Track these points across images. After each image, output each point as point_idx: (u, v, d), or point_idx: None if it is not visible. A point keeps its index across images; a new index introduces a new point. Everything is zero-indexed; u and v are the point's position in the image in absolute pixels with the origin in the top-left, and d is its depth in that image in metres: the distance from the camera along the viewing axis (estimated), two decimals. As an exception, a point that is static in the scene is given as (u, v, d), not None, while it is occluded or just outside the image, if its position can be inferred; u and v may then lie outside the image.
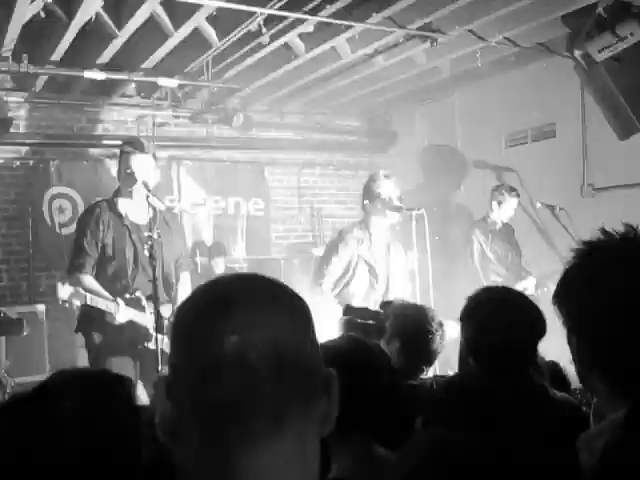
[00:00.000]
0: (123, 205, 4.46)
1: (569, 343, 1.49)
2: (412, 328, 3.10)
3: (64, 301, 4.21)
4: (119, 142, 5.07)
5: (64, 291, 4.18)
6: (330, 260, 5.02)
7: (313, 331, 1.00)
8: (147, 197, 4.30)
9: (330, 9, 4.88)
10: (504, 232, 6.19)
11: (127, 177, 4.37)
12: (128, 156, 4.38)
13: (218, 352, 0.89)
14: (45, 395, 1.36)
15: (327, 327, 4.87)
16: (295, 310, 0.98)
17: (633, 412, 1.32)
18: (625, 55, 5.21)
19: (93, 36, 5.35)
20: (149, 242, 4.14)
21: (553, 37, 5.82)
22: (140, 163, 4.36)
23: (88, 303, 4.20)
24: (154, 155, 4.50)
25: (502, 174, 7.04)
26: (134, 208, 4.43)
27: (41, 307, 6.29)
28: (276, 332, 0.92)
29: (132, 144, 4.47)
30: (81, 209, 6.87)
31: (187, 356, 0.93)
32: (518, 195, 6.11)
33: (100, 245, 4.38)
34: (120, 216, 4.44)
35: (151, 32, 5.31)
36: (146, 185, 4.31)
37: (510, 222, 6.21)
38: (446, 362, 3.72)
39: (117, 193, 4.51)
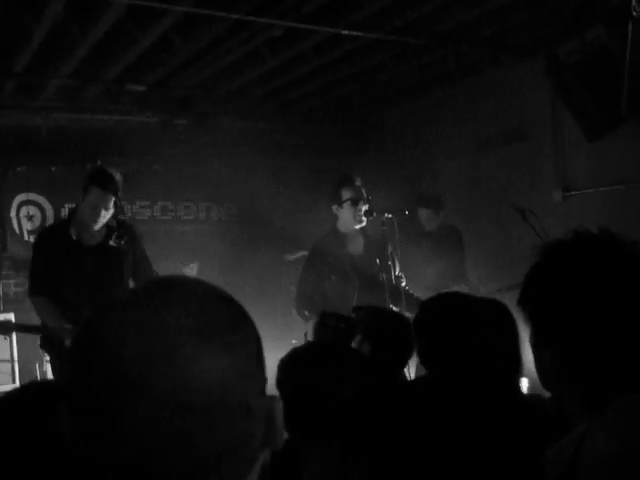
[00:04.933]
0: (77, 230, 4.43)
1: (533, 348, 1.47)
2: (381, 334, 3.11)
3: None
4: (87, 147, 5.03)
5: None
6: (306, 281, 5.03)
7: (249, 371, 0.86)
8: (108, 237, 4.32)
9: (298, 14, 4.88)
10: (437, 235, 6.21)
11: (87, 210, 4.35)
12: (90, 189, 4.33)
13: (120, 449, 0.78)
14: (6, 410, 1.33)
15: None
16: (222, 362, 0.83)
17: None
18: (593, 58, 5.25)
19: (59, 42, 5.29)
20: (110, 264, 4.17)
21: (523, 40, 5.85)
22: (102, 202, 4.32)
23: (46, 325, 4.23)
24: (118, 194, 4.41)
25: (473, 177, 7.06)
26: (88, 233, 4.43)
27: (10, 315, 6.20)
28: (188, 438, 0.78)
29: (96, 177, 4.40)
30: (50, 216, 6.82)
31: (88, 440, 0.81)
32: (428, 207, 6.22)
33: (55, 270, 4.37)
34: (72, 241, 4.42)
35: (118, 38, 5.26)
36: (110, 229, 4.34)
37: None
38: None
39: (74, 217, 4.48)
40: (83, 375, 0.82)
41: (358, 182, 5.03)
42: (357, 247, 5.13)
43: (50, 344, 4.37)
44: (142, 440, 0.78)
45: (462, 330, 2.27)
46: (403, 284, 5.10)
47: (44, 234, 4.70)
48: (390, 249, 5.01)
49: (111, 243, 4.26)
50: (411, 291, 5.07)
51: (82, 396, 0.82)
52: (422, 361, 2.43)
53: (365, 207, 4.95)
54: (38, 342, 4.59)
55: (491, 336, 2.25)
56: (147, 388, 0.78)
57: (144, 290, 0.89)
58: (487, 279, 5.84)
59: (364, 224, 5.02)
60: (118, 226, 4.50)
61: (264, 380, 0.90)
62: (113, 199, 4.33)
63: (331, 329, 3.33)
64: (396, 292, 4.89)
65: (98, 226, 4.34)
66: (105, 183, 4.31)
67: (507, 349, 2.25)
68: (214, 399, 0.80)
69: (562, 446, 1.36)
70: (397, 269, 5.12)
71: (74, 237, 4.39)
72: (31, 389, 1.40)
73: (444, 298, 2.48)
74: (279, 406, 0.92)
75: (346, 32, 5.23)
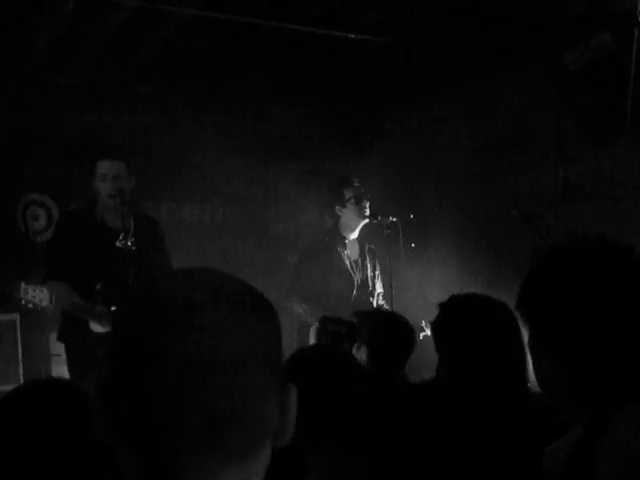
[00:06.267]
0: (100, 211, 4.42)
1: (531, 352, 1.48)
2: (378, 335, 3.12)
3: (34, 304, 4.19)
4: (94, 148, 5.03)
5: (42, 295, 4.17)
6: (300, 275, 5.04)
7: (272, 341, 0.94)
8: (122, 205, 4.26)
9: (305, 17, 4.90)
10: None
11: (99, 184, 4.34)
12: (98, 162, 4.34)
13: (158, 372, 0.85)
14: (6, 407, 1.34)
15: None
16: (252, 323, 0.91)
17: (591, 426, 1.32)
18: (599, 64, 5.26)
19: (66, 43, 5.31)
20: (124, 249, 4.12)
21: (528, 45, 5.85)
22: (110, 170, 4.32)
23: (68, 310, 4.19)
24: (128, 161, 4.45)
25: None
26: (112, 214, 4.39)
27: (15, 316, 6.21)
28: (212, 393, 0.85)
29: (102, 150, 4.44)
30: (56, 216, 6.82)
31: (126, 372, 0.88)
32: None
33: (74, 252, 4.32)
34: (97, 222, 4.40)
35: (125, 39, 5.28)
36: (120, 193, 4.28)
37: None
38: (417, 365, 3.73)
39: (94, 199, 4.47)
40: (121, 339, 0.91)
41: (357, 183, 5.08)
42: (354, 252, 5.17)
43: (69, 335, 4.36)
44: (170, 391, 0.85)
45: (476, 331, 2.28)
46: (382, 302, 5.11)
47: (68, 216, 4.67)
48: (378, 267, 5.09)
49: (117, 244, 4.23)
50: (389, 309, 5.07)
51: (120, 358, 0.89)
52: (442, 362, 2.44)
53: (368, 204, 5.00)
54: (53, 334, 4.59)
55: (504, 337, 2.27)
56: (173, 346, 0.85)
57: (170, 273, 1.01)
58: (490, 282, 5.84)
59: (367, 221, 5.06)
60: (141, 218, 4.49)
61: (280, 360, 0.97)
62: (122, 166, 4.33)
63: (332, 334, 3.34)
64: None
65: (114, 198, 4.26)
66: (106, 151, 4.35)
67: (517, 350, 2.27)
68: (233, 358, 0.87)
69: (559, 445, 1.37)
70: (381, 286, 5.16)
71: (98, 218, 4.38)
72: (36, 386, 1.41)
73: (460, 299, 2.49)
74: (294, 395, 0.95)
75: (353, 35, 5.24)
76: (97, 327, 4.09)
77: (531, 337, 1.47)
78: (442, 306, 2.49)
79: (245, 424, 0.87)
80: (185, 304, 0.87)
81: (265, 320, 0.94)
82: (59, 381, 1.47)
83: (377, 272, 5.16)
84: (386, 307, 5.04)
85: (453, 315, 2.41)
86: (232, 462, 0.87)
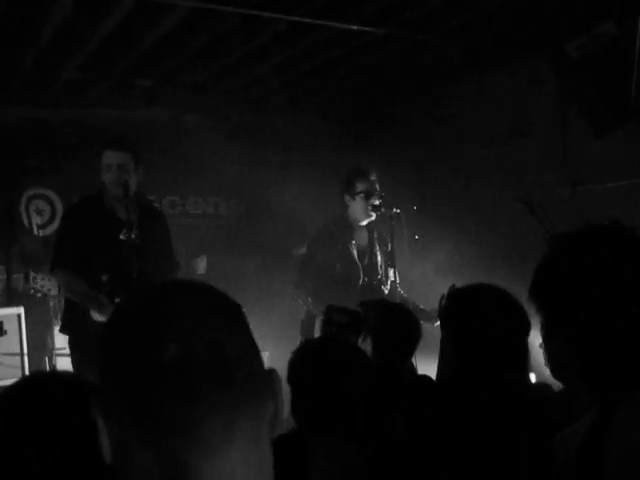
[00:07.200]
0: (108, 201, 4.42)
1: (543, 339, 1.48)
2: (382, 328, 3.11)
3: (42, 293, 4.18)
4: (97, 141, 5.02)
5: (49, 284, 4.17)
6: (308, 266, 5.02)
7: (251, 335, 0.99)
8: (124, 198, 4.26)
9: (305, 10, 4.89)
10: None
11: (105, 175, 4.33)
12: (103, 153, 4.33)
13: (156, 367, 0.87)
14: (6, 407, 1.33)
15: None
16: (233, 316, 0.97)
17: (602, 414, 1.32)
18: (601, 53, 5.24)
19: (68, 37, 5.30)
20: (127, 242, 4.13)
21: (530, 36, 5.84)
22: (115, 160, 4.31)
23: (70, 298, 4.19)
24: (134, 153, 4.43)
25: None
26: (119, 204, 4.38)
27: (19, 309, 6.22)
28: (216, 341, 0.90)
29: (108, 141, 4.42)
30: (59, 210, 6.84)
31: (123, 373, 0.90)
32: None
33: (84, 241, 4.33)
34: (105, 212, 4.40)
35: (127, 32, 5.27)
36: (124, 185, 4.27)
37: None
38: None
39: (102, 189, 4.46)
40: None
41: (373, 176, 5.02)
42: (362, 239, 5.14)
43: (72, 327, 4.37)
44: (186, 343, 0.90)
45: (481, 321, 2.28)
46: (398, 289, 5.07)
47: (78, 204, 4.66)
48: (390, 248, 5.03)
49: (121, 237, 4.24)
50: (406, 296, 5.04)
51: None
52: (452, 352, 2.43)
53: (377, 202, 4.94)
54: (58, 327, 4.60)
55: (508, 327, 2.26)
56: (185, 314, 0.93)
57: (159, 284, 1.05)
58: (495, 272, 5.83)
59: (373, 218, 5.02)
60: (147, 210, 4.49)
61: (261, 358, 1.00)
62: (127, 157, 4.32)
63: (336, 325, 3.34)
64: (393, 295, 4.89)
65: (120, 188, 4.25)
66: (112, 142, 4.34)
67: (521, 340, 2.27)
68: (227, 321, 0.96)
69: (572, 431, 1.37)
70: (395, 273, 5.11)
71: (107, 207, 4.38)
72: (36, 382, 1.40)
73: (464, 289, 2.49)
74: (279, 380, 0.98)
75: (355, 27, 5.23)
76: (97, 316, 4.09)
77: (543, 324, 1.47)
78: (447, 296, 2.48)
79: (248, 369, 0.92)
80: (162, 310, 0.94)
81: (236, 318, 0.99)
82: (61, 376, 1.46)
83: (389, 261, 5.10)
84: (404, 295, 5.00)
85: (458, 305, 2.41)
86: (244, 409, 0.90)
